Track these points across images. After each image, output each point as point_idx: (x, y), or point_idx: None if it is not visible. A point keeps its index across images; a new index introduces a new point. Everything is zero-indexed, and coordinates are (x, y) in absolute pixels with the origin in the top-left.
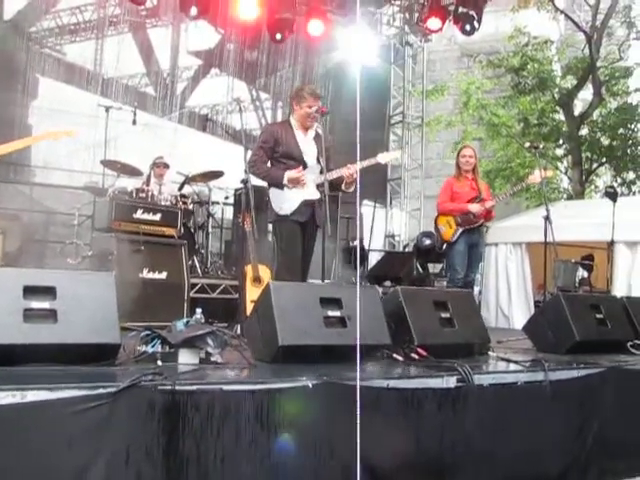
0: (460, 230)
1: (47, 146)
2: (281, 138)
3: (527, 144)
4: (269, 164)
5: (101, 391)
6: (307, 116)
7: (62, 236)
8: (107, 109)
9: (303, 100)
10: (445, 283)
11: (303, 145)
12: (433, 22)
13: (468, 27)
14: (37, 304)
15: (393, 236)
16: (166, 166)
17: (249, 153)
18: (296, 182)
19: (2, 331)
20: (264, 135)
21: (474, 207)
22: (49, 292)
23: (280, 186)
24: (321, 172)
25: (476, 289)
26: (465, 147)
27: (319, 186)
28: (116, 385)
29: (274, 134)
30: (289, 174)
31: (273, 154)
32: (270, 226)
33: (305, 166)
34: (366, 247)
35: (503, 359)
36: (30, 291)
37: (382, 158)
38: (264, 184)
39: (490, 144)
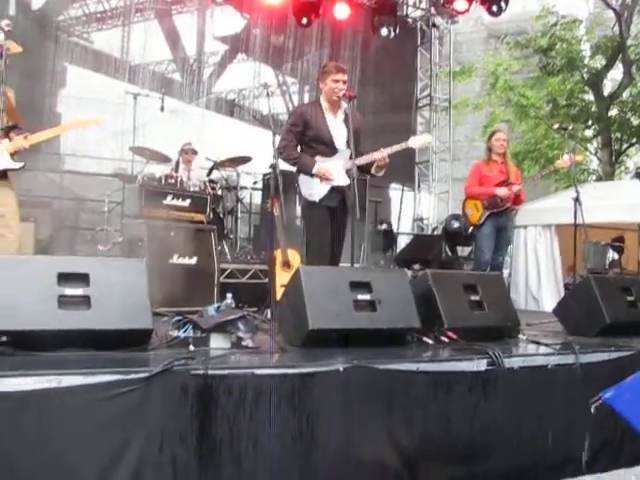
0: (487, 213)
1: (76, 134)
2: (311, 121)
3: (556, 125)
4: (299, 148)
5: (134, 376)
6: (333, 91)
7: (93, 223)
8: (135, 96)
9: (327, 75)
10: (472, 266)
11: (333, 128)
12: (460, 3)
13: (495, 8)
14: (70, 291)
15: (421, 219)
16: (194, 152)
17: (277, 138)
18: (324, 176)
19: (37, 317)
20: (293, 117)
21: (501, 191)
22: (82, 279)
23: (309, 174)
24: (350, 157)
25: (505, 272)
26: (498, 131)
27: (348, 171)
28: (149, 370)
29: (303, 116)
30: (319, 167)
31: (303, 137)
32: (299, 210)
33: (335, 150)
34: (394, 230)
35: (533, 342)
36: (64, 278)
37: (414, 142)
38: (292, 169)
39: (518, 126)
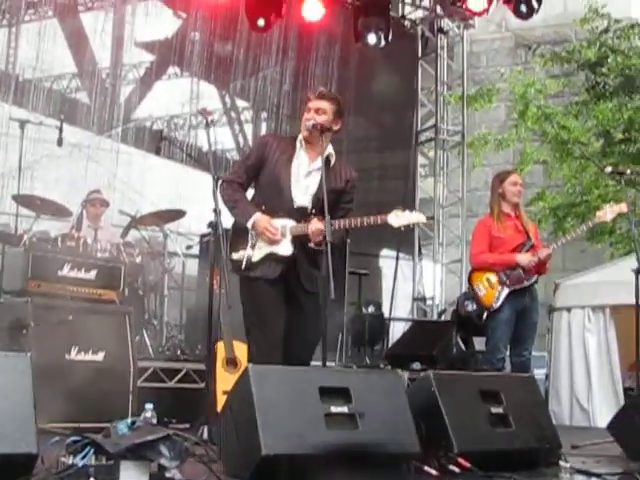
0: (506, 292)
1: None
2: (270, 159)
3: (609, 168)
4: (250, 190)
5: None
6: (304, 123)
7: None
8: (22, 124)
9: (304, 103)
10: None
11: (297, 176)
12: (476, 0)
13: (524, 8)
14: None
15: (424, 299)
16: (104, 203)
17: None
18: (263, 234)
19: None
20: (252, 147)
21: (523, 258)
22: None
23: (244, 226)
24: (307, 217)
25: (541, 372)
26: (512, 172)
27: (296, 238)
28: None
29: (263, 149)
30: (258, 220)
31: (257, 175)
32: None
33: (291, 207)
34: (385, 315)
35: (580, 472)
36: None
37: (396, 219)
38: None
39: (558, 169)
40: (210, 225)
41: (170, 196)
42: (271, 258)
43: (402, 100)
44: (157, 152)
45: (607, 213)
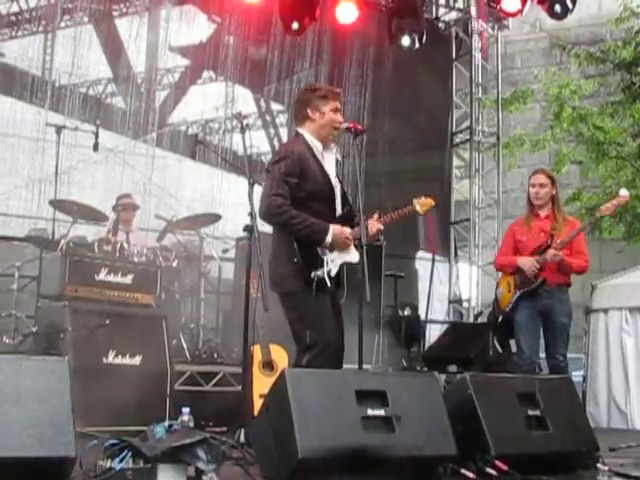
0: (517, 294)
1: None
2: (309, 169)
3: None
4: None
5: None
6: (332, 125)
7: None
8: (58, 130)
9: (323, 101)
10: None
11: (334, 181)
12: (510, 1)
13: (559, 8)
14: None
15: (460, 301)
16: (134, 207)
17: (256, 188)
18: (345, 244)
19: None
20: (288, 163)
21: (523, 261)
22: None
23: (319, 243)
24: (347, 221)
25: (578, 374)
26: (536, 172)
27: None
28: None
29: (301, 162)
30: (337, 231)
31: (298, 193)
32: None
33: (334, 212)
34: (422, 317)
35: (619, 475)
36: None
37: (420, 206)
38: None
39: (594, 170)
40: (246, 229)
41: (206, 200)
42: (342, 267)
43: (437, 102)
44: (193, 156)
45: (610, 206)
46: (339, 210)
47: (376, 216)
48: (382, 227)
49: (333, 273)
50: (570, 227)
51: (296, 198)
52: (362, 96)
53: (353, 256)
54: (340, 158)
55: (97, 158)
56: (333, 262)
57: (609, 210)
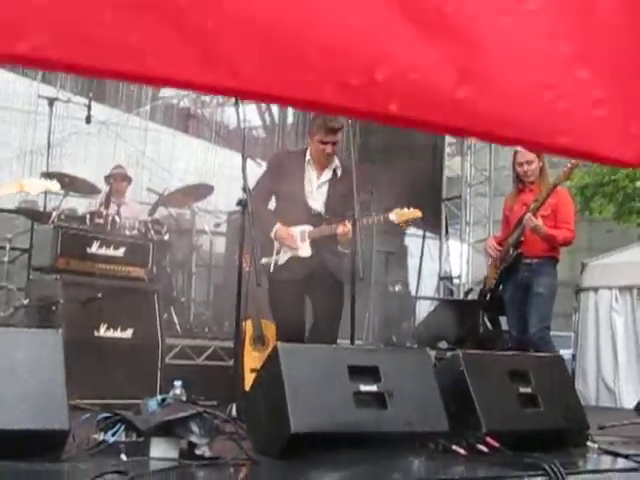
0: (500, 269)
1: None
2: (286, 174)
3: None
4: (273, 199)
5: None
6: (320, 153)
7: None
8: (51, 102)
9: (314, 133)
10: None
11: (311, 188)
12: None
13: None
14: None
15: (450, 278)
16: (125, 178)
17: (249, 162)
18: (284, 242)
19: None
20: (269, 164)
21: (491, 240)
22: None
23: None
24: (323, 221)
25: (567, 352)
26: (517, 152)
27: (315, 241)
28: None
29: (279, 166)
30: (278, 231)
31: (276, 189)
32: None
33: (310, 215)
34: (413, 293)
35: (608, 452)
36: None
37: (397, 216)
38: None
39: None
40: (239, 203)
41: (199, 173)
42: (294, 260)
43: None
44: (185, 130)
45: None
46: (316, 210)
47: (348, 224)
48: (345, 232)
49: (280, 262)
50: (558, 200)
51: (276, 193)
52: None
53: (302, 251)
54: (339, 172)
55: (90, 131)
56: (283, 253)
57: (565, 174)
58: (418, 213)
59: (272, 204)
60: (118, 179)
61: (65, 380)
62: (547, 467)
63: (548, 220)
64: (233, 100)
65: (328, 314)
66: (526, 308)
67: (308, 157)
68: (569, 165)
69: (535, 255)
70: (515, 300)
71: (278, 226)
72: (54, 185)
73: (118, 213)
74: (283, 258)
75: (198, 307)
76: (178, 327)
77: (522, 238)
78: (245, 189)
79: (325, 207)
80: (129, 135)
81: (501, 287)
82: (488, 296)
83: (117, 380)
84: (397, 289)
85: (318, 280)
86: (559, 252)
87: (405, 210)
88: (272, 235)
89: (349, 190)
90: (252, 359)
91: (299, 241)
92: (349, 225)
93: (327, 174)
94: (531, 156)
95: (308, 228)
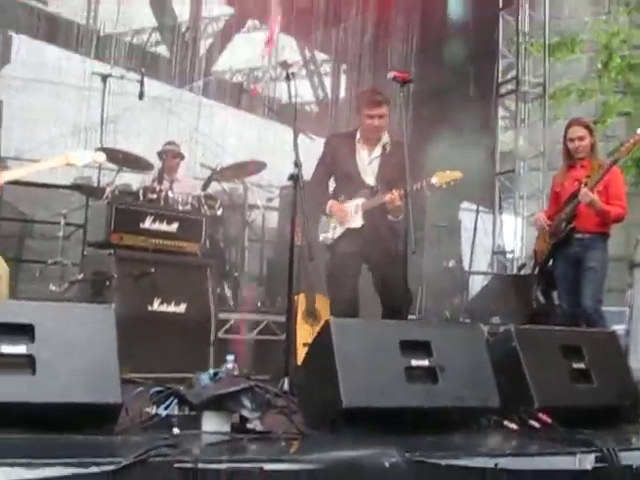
0: (550, 245)
1: (21, 130)
2: (339, 154)
3: None
4: (331, 180)
5: (95, 469)
6: (366, 129)
7: (42, 253)
8: (104, 78)
9: (360, 107)
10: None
11: (363, 164)
12: None
13: None
14: (8, 349)
15: (504, 252)
16: (177, 155)
17: (301, 137)
18: (336, 216)
19: None
20: (324, 148)
21: (540, 214)
22: (26, 331)
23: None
24: (376, 193)
25: (621, 328)
26: (572, 124)
27: (368, 212)
28: (116, 461)
29: (333, 149)
30: (331, 206)
31: (334, 170)
32: None
33: (364, 187)
34: (466, 268)
35: None
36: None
37: (439, 178)
38: None
39: None
40: (291, 177)
41: (251, 149)
42: (348, 233)
43: (483, 52)
44: (238, 104)
45: (629, 145)
46: (369, 183)
47: (395, 192)
48: (392, 199)
49: (335, 236)
50: (611, 176)
51: (335, 174)
52: (409, 44)
53: (354, 223)
54: (389, 147)
55: (143, 106)
56: (334, 229)
57: (627, 149)
58: (458, 174)
59: (332, 185)
60: (170, 156)
61: (118, 354)
62: (599, 443)
63: (600, 196)
64: (285, 75)
65: (387, 282)
66: (579, 282)
67: (358, 136)
68: (632, 141)
69: (587, 230)
70: (567, 274)
71: (331, 202)
72: (99, 156)
73: (171, 189)
74: (338, 232)
75: (251, 282)
76: (231, 302)
77: (575, 213)
78: (296, 163)
79: (377, 180)
80: (182, 110)
81: (552, 262)
82: (537, 270)
83: (170, 354)
84: (451, 265)
85: (375, 250)
86: (610, 228)
87: (447, 172)
88: (327, 211)
89: (400, 163)
90: (304, 333)
91: (352, 214)
92: (396, 193)
93: (377, 150)
94: (583, 132)
95: (361, 201)
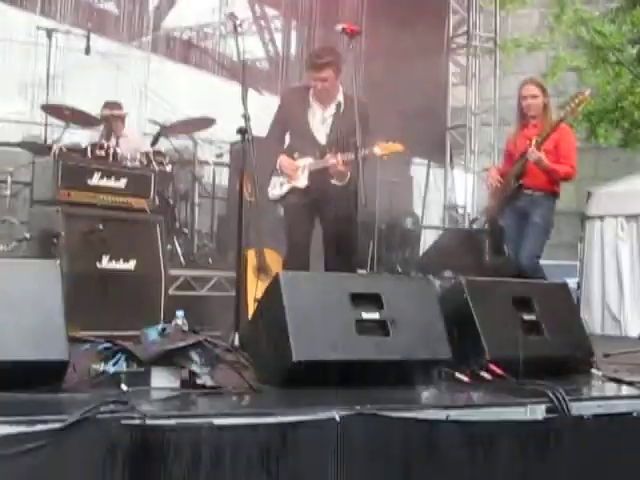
0: (501, 200)
1: None
2: (293, 110)
3: None
4: (287, 135)
5: (42, 427)
6: (314, 90)
7: None
8: (49, 33)
9: (306, 70)
10: None
11: (316, 122)
12: None
13: None
14: None
15: (456, 207)
16: (118, 117)
17: (250, 92)
18: (284, 172)
19: None
20: (279, 102)
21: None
22: None
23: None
24: (325, 153)
25: (573, 281)
26: (526, 83)
27: (314, 173)
28: (62, 419)
29: (287, 104)
30: (282, 161)
31: (288, 126)
32: None
33: (315, 145)
34: (417, 223)
35: (612, 379)
36: None
37: (380, 149)
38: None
39: (592, 75)
40: (239, 131)
41: (201, 105)
42: (294, 191)
43: (433, 6)
44: (186, 61)
45: (573, 105)
46: (321, 142)
47: (340, 157)
48: (335, 165)
49: (281, 194)
50: (560, 136)
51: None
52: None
53: (299, 182)
54: (342, 105)
55: (90, 63)
56: (282, 186)
57: (572, 110)
58: (400, 147)
59: (287, 139)
60: (111, 118)
61: (65, 311)
62: (550, 394)
63: (550, 155)
64: (232, 27)
65: (334, 242)
66: (521, 235)
67: (312, 92)
68: (576, 101)
69: (536, 187)
70: (513, 226)
71: (282, 157)
72: None
73: (118, 145)
74: (284, 189)
75: (201, 238)
76: (181, 258)
77: (524, 170)
78: (245, 116)
79: (328, 140)
80: (130, 67)
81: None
82: (488, 225)
83: (120, 312)
84: (401, 218)
85: (325, 207)
86: (559, 187)
87: (389, 143)
88: (277, 166)
89: (352, 122)
90: (255, 289)
91: (299, 172)
92: (340, 158)
93: (332, 109)
94: (536, 90)
95: (310, 161)
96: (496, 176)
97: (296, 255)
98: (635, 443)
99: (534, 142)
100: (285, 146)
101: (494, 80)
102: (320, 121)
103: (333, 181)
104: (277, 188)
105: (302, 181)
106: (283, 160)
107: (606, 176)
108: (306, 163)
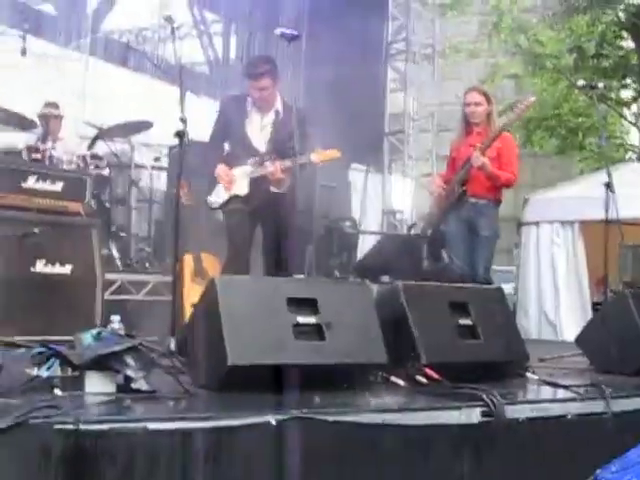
0: (444, 206)
1: None
2: (231, 117)
3: (581, 82)
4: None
5: None
6: (252, 98)
7: None
8: None
9: (244, 77)
10: None
11: (254, 130)
12: None
13: None
14: None
15: (394, 213)
16: (57, 117)
17: (189, 95)
18: (223, 181)
19: None
20: (218, 112)
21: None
22: None
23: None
24: (264, 161)
25: (509, 286)
26: (470, 90)
27: (254, 181)
28: None
29: (226, 111)
30: (218, 170)
31: (227, 133)
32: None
33: (254, 153)
34: (355, 228)
35: (547, 383)
36: None
37: (316, 156)
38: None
39: (530, 82)
40: (177, 134)
41: (138, 109)
42: (234, 198)
43: (372, 12)
44: (124, 64)
45: (518, 111)
46: (260, 150)
47: (278, 165)
48: (273, 172)
49: (219, 203)
50: (505, 144)
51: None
52: (300, 3)
53: (239, 190)
54: (281, 113)
55: (27, 64)
56: (220, 194)
57: (517, 115)
58: (337, 153)
59: (227, 147)
60: (50, 118)
61: None
62: (485, 397)
63: (493, 162)
64: (170, 29)
65: (273, 247)
66: (473, 249)
67: (250, 101)
68: (521, 107)
69: (479, 195)
70: (459, 236)
71: (220, 167)
72: None
73: (54, 148)
74: (223, 197)
75: (138, 242)
76: (118, 262)
77: (467, 177)
78: (182, 119)
79: (268, 147)
80: (68, 69)
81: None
82: (429, 232)
83: (55, 316)
84: (339, 223)
85: (264, 213)
86: (502, 194)
87: (327, 150)
88: (215, 174)
89: (291, 129)
90: (193, 293)
91: (238, 181)
92: (279, 166)
93: (271, 116)
94: (480, 98)
95: (249, 169)
96: (439, 183)
97: (236, 260)
98: (569, 445)
99: (478, 148)
100: (225, 153)
101: (433, 86)
102: (259, 128)
103: (272, 188)
104: (218, 196)
105: (243, 189)
106: (219, 170)
107: (543, 183)
108: (245, 171)
